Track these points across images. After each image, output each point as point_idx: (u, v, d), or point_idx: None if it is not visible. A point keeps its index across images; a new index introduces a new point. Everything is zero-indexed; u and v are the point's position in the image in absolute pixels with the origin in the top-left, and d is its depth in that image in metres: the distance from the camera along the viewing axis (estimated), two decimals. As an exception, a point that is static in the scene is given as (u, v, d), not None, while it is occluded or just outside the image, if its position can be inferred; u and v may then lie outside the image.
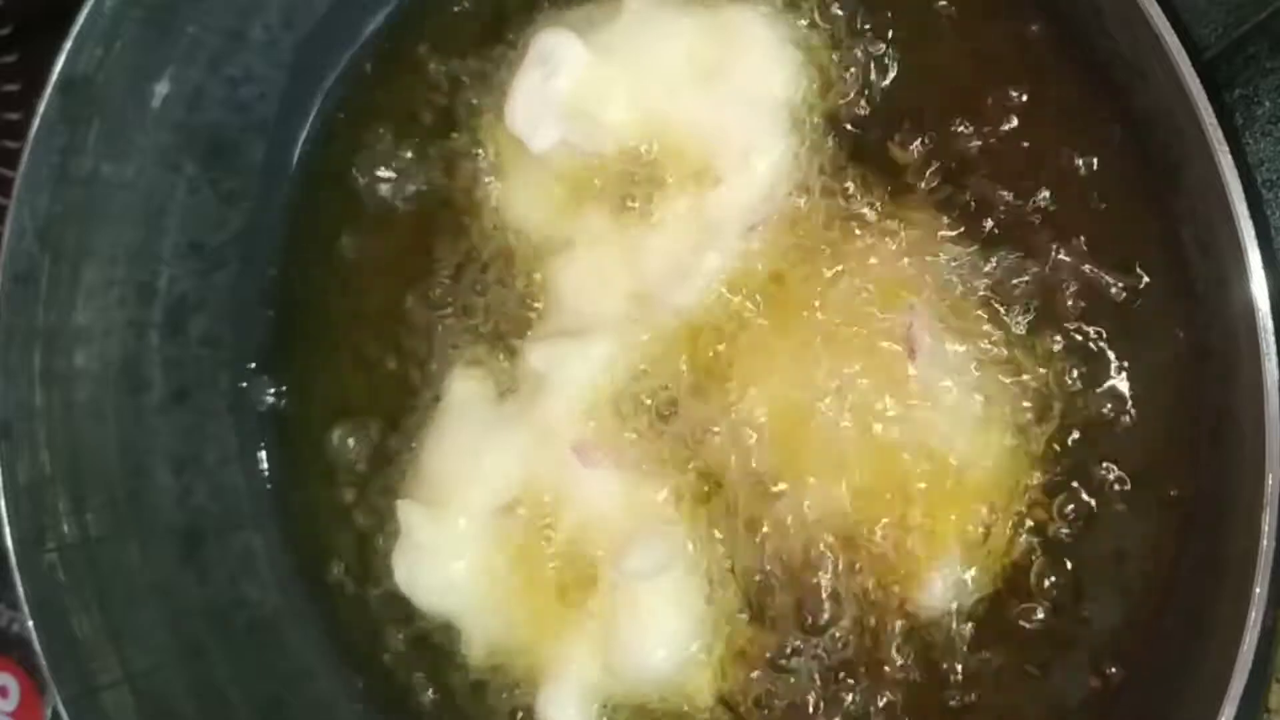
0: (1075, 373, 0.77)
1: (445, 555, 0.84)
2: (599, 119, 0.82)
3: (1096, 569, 0.76)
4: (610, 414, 0.82)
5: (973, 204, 0.79)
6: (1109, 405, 0.76)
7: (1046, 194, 0.77)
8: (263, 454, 0.96)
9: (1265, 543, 0.63)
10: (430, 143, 0.91)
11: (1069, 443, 0.77)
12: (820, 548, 0.79)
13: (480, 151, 0.89)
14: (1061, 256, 0.77)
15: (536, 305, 0.86)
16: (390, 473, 0.90)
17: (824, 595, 0.79)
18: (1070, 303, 0.77)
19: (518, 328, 0.87)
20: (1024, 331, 0.77)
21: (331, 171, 0.95)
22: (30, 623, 0.80)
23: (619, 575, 0.80)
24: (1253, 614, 0.62)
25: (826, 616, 0.79)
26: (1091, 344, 0.77)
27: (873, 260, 0.80)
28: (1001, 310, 0.78)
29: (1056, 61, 0.78)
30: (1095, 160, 0.77)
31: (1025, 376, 0.77)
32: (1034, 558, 0.77)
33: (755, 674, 0.80)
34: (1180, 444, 0.75)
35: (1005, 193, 0.78)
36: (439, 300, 0.89)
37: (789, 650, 0.80)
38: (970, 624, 0.77)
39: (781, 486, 0.80)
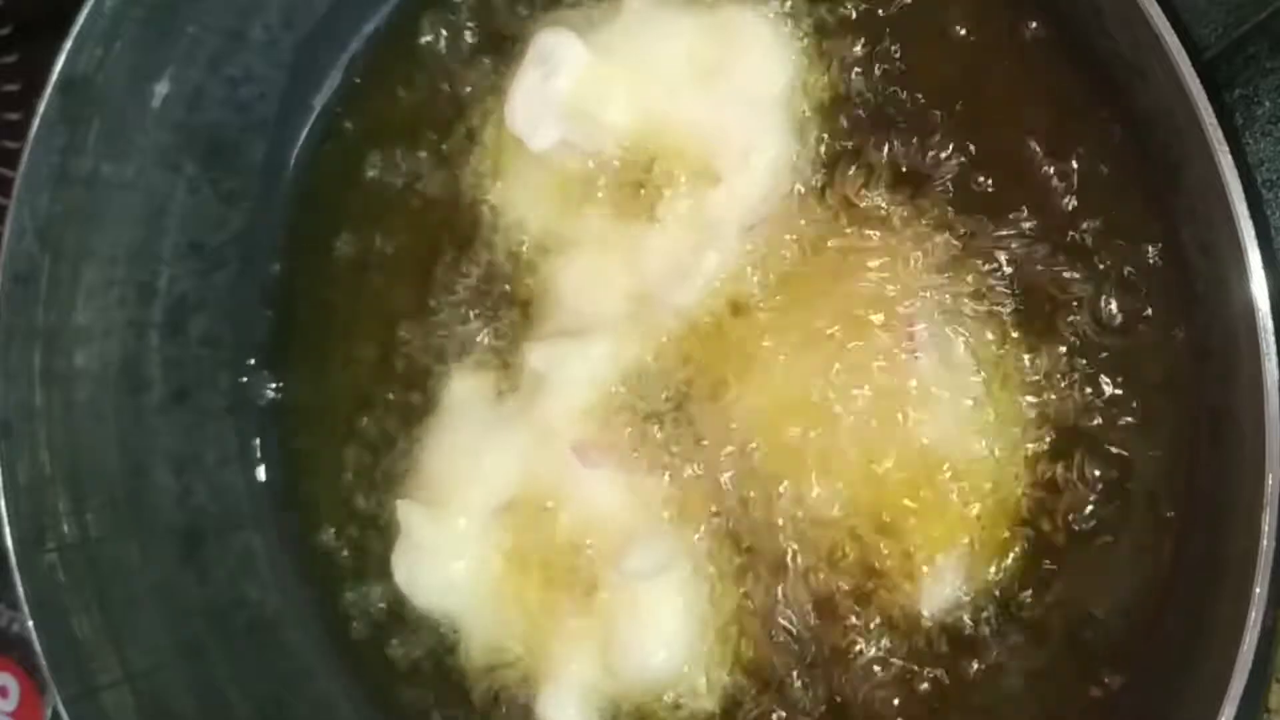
0: (1075, 373, 0.77)
1: (445, 555, 0.84)
2: (599, 119, 0.82)
3: (1096, 569, 0.76)
4: (610, 414, 0.82)
5: (972, 204, 0.79)
6: (1109, 405, 0.76)
7: (1045, 196, 0.77)
8: (262, 454, 0.96)
9: (1265, 543, 0.63)
10: (430, 142, 0.91)
11: (1069, 443, 0.76)
12: (820, 547, 0.79)
13: (480, 151, 0.89)
14: (1061, 256, 0.77)
15: (537, 305, 0.86)
16: (390, 472, 0.90)
17: (824, 595, 0.79)
18: (1070, 303, 0.77)
19: (518, 328, 0.87)
20: (1024, 331, 0.77)
21: (331, 171, 0.95)
22: (30, 623, 0.80)
23: (619, 575, 0.80)
24: (1253, 614, 0.62)
25: (826, 617, 0.79)
26: (1091, 344, 0.76)
27: (873, 260, 0.80)
28: (1001, 310, 0.78)
29: (1056, 61, 0.78)
30: (1095, 160, 0.77)
31: (1025, 376, 0.77)
32: (1034, 558, 0.77)
33: (755, 673, 0.80)
34: (1180, 444, 0.75)
35: (1004, 193, 0.78)
36: (439, 300, 0.89)
37: (788, 650, 0.80)
38: (970, 625, 0.77)
39: (782, 486, 0.80)
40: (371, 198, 0.92)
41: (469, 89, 0.90)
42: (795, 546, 0.80)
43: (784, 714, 0.80)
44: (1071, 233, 0.77)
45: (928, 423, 0.77)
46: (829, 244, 0.81)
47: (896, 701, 0.78)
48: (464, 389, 0.87)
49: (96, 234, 0.87)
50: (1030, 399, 0.77)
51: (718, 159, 0.81)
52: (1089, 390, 0.76)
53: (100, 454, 0.88)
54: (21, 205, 0.81)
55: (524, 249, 0.87)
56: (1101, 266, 0.76)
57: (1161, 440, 0.76)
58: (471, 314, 0.88)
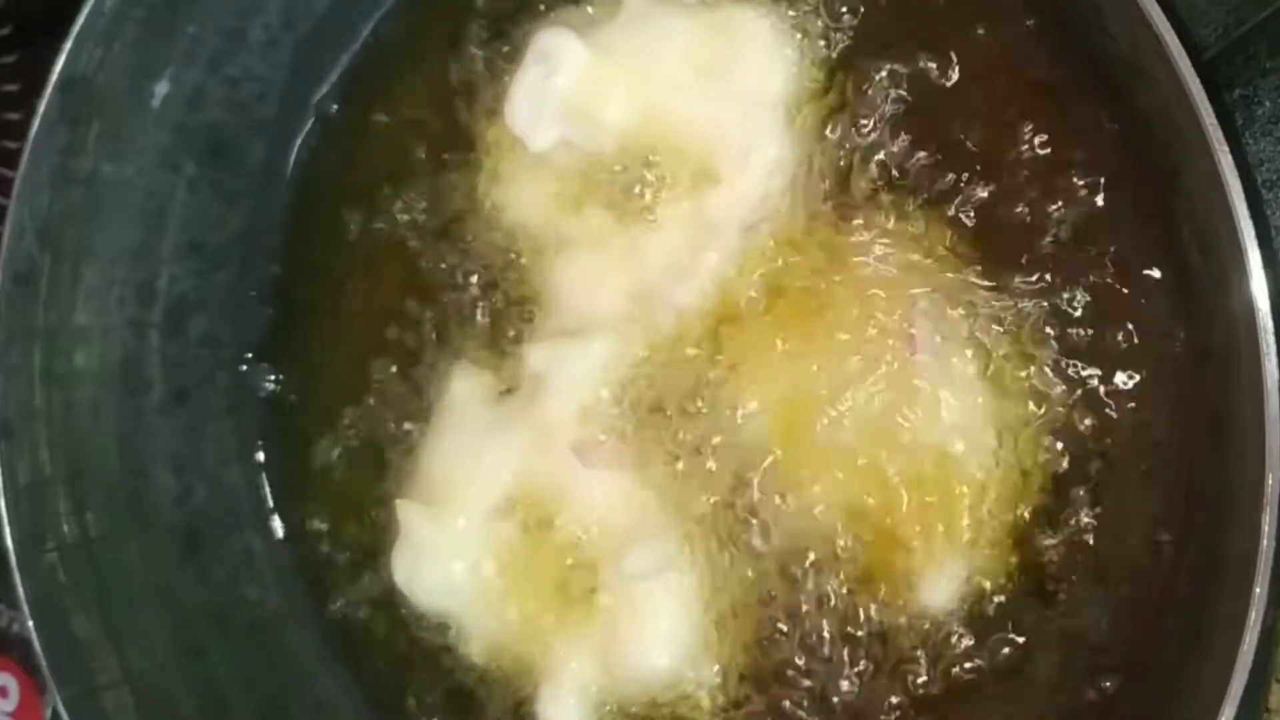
0: (1075, 373, 0.77)
1: (444, 555, 0.84)
2: (599, 118, 0.82)
3: (1096, 569, 0.76)
4: (610, 414, 0.82)
5: (972, 204, 0.79)
6: (1109, 405, 0.76)
7: (1046, 194, 0.77)
8: (262, 454, 0.96)
9: (1265, 543, 0.63)
10: (430, 142, 0.91)
11: (1069, 443, 0.76)
12: (820, 548, 0.79)
13: (479, 150, 0.89)
14: (1061, 256, 0.77)
15: (536, 305, 0.86)
16: (390, 472, 0.90)
17: (823, 595, 0.79)
18: (1070, 302, 0.77)
19: (518, 328, 0.87)
20: (1024, 331, 0.77)
21: (331, 171, 0.95)
22: (30, 623, 0.80)
23: (619, 576, 0.80)
24: (1253, 614, 0.62)
25: (826, 617, 0.79)
26: (1091, 344, 0.76)
27: (873, 260, 0.80)
28: (1001, 309, 0.78)
29: (1056, 61, 0.78)
30: (1095, 160, 0.77)
31: (1025, 376, 0.77)
32: (1034, 558, 0.77)
33: (754, 673, 0.80)
34: (1180, 444, 0.75)
35: (1004, 193, 0.78)
36: (439, 300, 0.89)
37: (789, 650, 0.80)
38: (971, 624, 0.77)
39: (782, 486, 0.80)
40: (371, 197, 0.92)
41: (469, 89, 0.90)
42: (796, 546, 0.80)
43: (784, 714, 0.80)
44: (1070, 233, 0.77)
45: (929, 423, 0.77)
46: (829, 244, 0.80)
47: (897, 701, 0.78)
48: (464, 389, 0.87)
49: (96, 234, 0.87)
50: (1030, 399, 0.77)
51: (718, 159, 0.81)
52: (1089, 390, 0.76)
53: (100, 454, 0.88)
54: (21, 205, 0.81)
55: (524, 249, 0.87)
56: (1101, 266, 0.76)
57: (1162, 440, 0.76)
58: (471, 314, 0.88)
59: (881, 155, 0.80)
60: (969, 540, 0.77)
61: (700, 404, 0.81)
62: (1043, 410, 0.77)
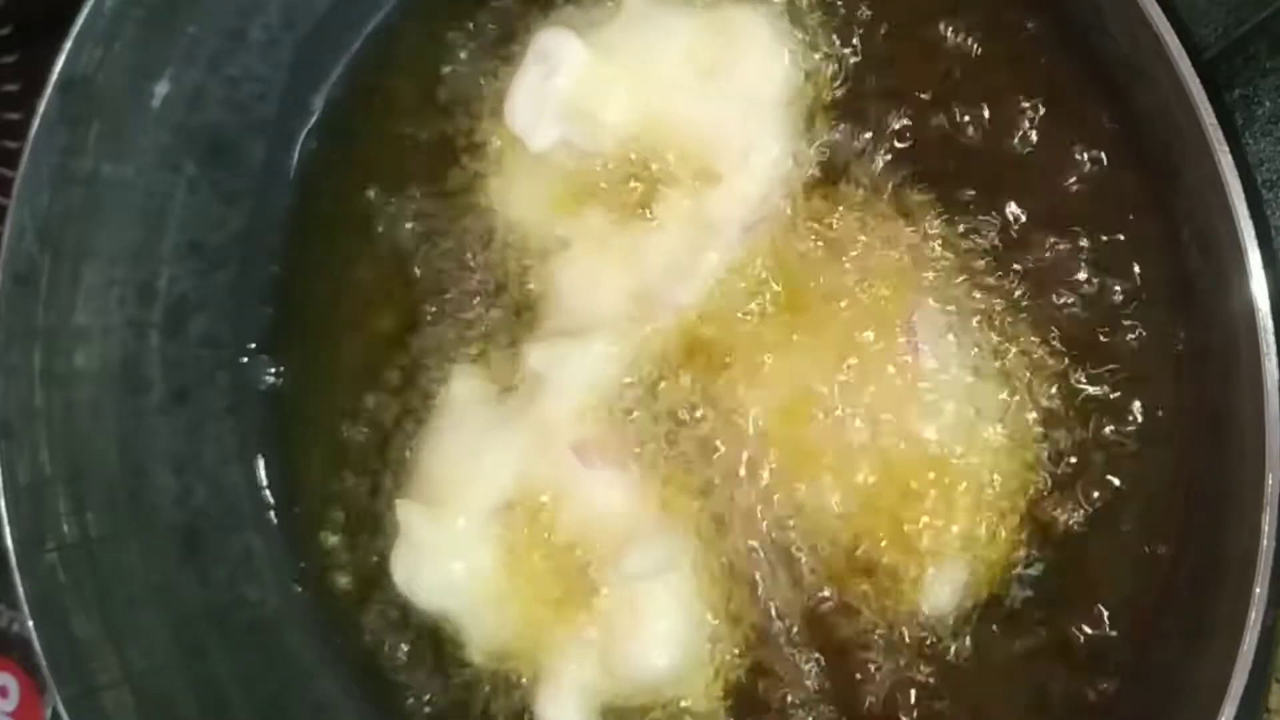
0: (1075, 373, 0.77)
1: (444, 555, 0.84)
2: (598, 118, 0.82)
3: (1096, 569, 0.76)
4: (610, 414, 0.82)
5: (972, 204, 0.79)
6: (1108, 405, 0.76)
7: (1046, 194, 0.77)
8: (262, 454, 0.96)
9: (1265, 543, 0.63)
10: (429, 142, 0.91)
11: (1069, 442, 0.76)
12: (821, 548, 0.79)
13: (479, 150, 0.89)
14: (1062, 256, 0.77)
15: (536, 305, 0.86)
16: (390, 472, 0.90)
17: (824, 595, 0.79)
18: (1070, 303, 0.77)
19: (517, 327, 0.87)
20: (1024, 331, 0.77)
21: (331, 171, 0.95)
22: (30, 623, 0.80)
23: (618, 576, 0.80)
24: (1253, 614, 0.62)
25: (826, 617, 0.79)
26: (1091, 344, 0.76)
27: (873, 259, 0.80)
28: (1002, 309, 0.78)
29: (1056, 61, 0.78)
30: (1095, 160, 0.77)
31: (1026, 377, 0.77)
32: (1034, 558, 0.77)
33: (754, 674, 0.80)
34: (1180, 444, 0.75)
35: (1004, 193, 0.78)
36: (438, 300, 0.89)
37: (788, 651, 0.80)
38: (971, 625, 0.77)
39: (783, 486, 0.80)
40: (371, 197, 0.92)
41: (468, 89, 0.90)
42: (796, 546, 0.80)
43: (783, 714, 0.80)
44: (1071, 232, 0.77)
45: (930, 423, 0.77)
46: (829, 243, 0.80)
47: (896, 701, 0.78)
48: (464, 389, 0.87)
49: (96, 234, 0.86)
50: (1030, 398, 0.77)
51: (718, 159, 0.81)
52: (1089, 390, 0.76)
53: (100, 454, 0.88)
54: (21, 205, 0.81)
55: (523, 249, 0.87)
56: (1101, 266, 0.76)
57: (1161, 440, 0.76)
58: (471, 314, 0.88)
59: (881, 155, 0.80)
60: (969, 540, 0.77)
61: (700, 404, 0.81)
62: (1042, 410, 0.77)
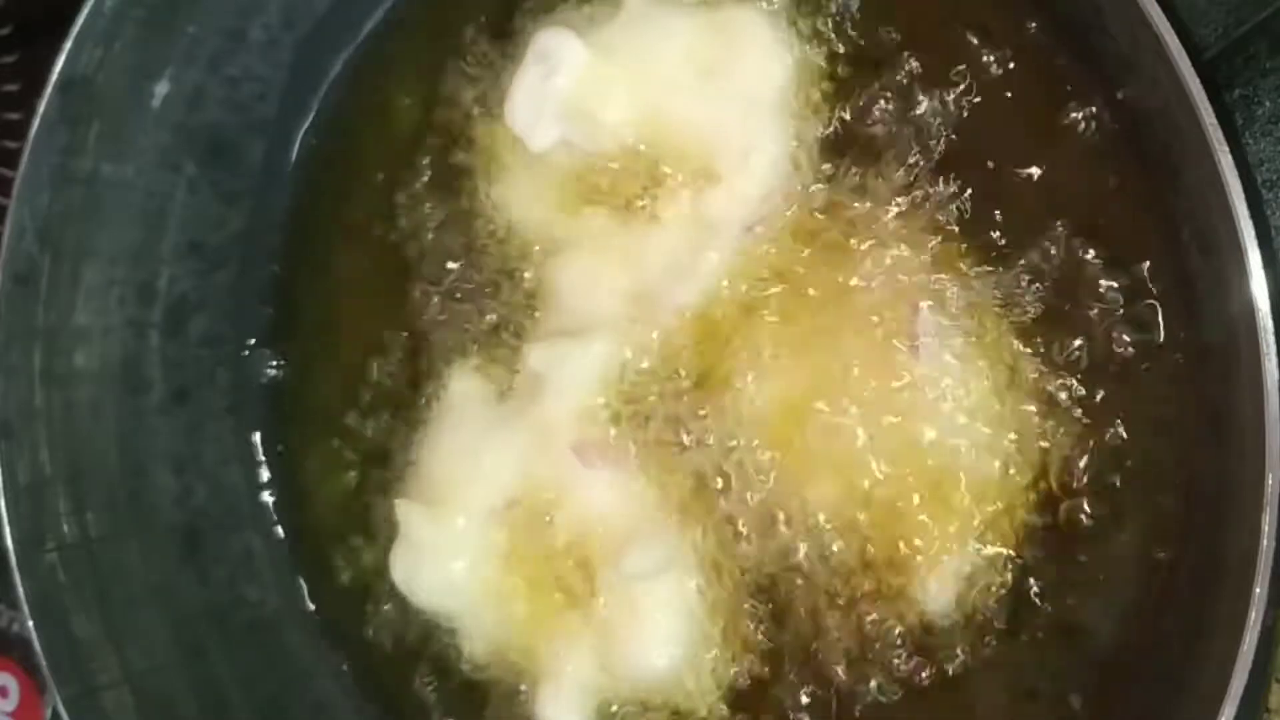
0: (1075, 373, 0.77)
1: (444, 555, 0.84)
2: (599, 118, 0.82)
3: (1096, 569, 0.76)
4: (610, 414, 0.82)
5: (973, 204, 0.79)
6: (1108, 405, 0.76)
7: (1046, 194, 0.77)
8: (263, 454, 0.96)
9: (1265, 543, 0.63)
10: (429, 142, 0.91)
11: (1069, 442, 0.76)
12: (821, 548, 0.79)
13: (480, 151, 0.89)
14: (1062, 256, 0.77)
15: (536, 305, 0.86)
16: (390, 472, 0.90)
17: (823, 596, 0.79)
18: (1070, 303, 0.77)
19: (517, 327, 0.87)
20: (1024, 331, 0.77)
21: (331, 171, 0.95)
22: (30, 623, 0.80)
23: (618, 576, 0.80)
24: (1253, 614, 0.62)
25: (825, 617, 0.79)
26: (1091, 343, 0.76)
27: (874, 260, 0.80)
28: (1002, 309, 0.78)
29: (1056, 61, 0.78)
30: (1095, 161, 0.77)
31: (1025, 376, 0.77)
32: (1034, 558, 0.77)
33: (753, 674, 0.80)
34: (1180, 444, 0.75)
35: (1005, 193, 0.78)
36: (439, 300, 0.89)
37: (787, 651, 0.80)
38: (971, 624, 0.77)
39: (783, 486, 0.80)
40: (371, 197, 0.92)
41: (468, 88, 0.90)
42: (796, 547, 0.80)
43: (783, 714, 0.80)
44: (1070, 232, 0.77)
45: (929, 423, 0.77)
46: (829, 243, 0.80)
47: (896, 701, 0.78)
48: (464, 389, 0.87)
49: (96, 234, 0.87)
50: (1030, 398, 0.77)
51: (718, 159, 0.81)
52: (1089, 390, 0.76)
53: (100, 454, 0.88)
54: (21, 205, 0.82)
55: (523, 249, 0.87)
56: (1100, 266, 0.76)
57: (1162, 440, 0.76)
58: (471, 314, 0.88)
59: (881, 155, 0.80)
60: (969, 539, 0.77)
61: (701, 404, 0.81)
62: (1042, 409, 0.77)
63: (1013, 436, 0.77)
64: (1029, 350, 0.77)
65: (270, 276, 0.96)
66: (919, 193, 0.79)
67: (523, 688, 0.84)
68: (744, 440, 0.80)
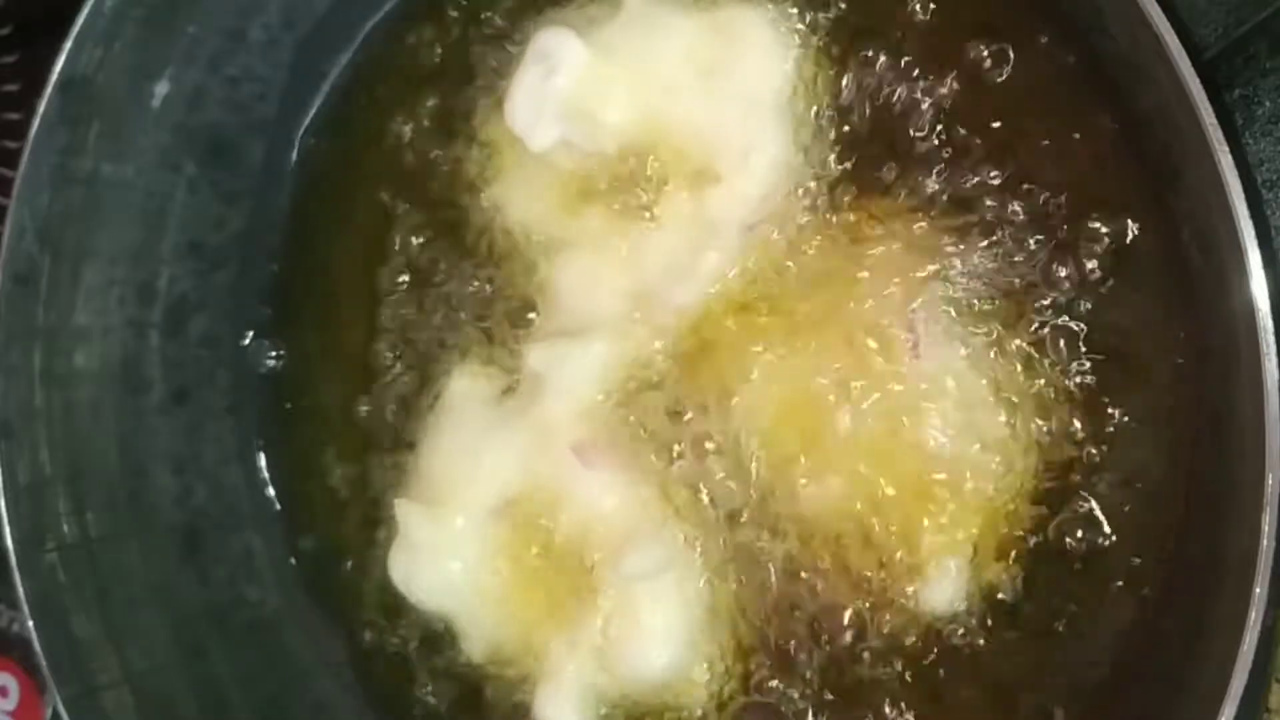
0: (1075, 373, 0.77)
1: (443, 555, 0.84)
2: (598, 118, 0.82)
3: (1096, 568, 0.76)
4: (610, 414, 0.82)
5: (972, 204, 0.79)
6: (1108, 405, 0.76)
7: (1046, 194, 0.77)
8: (262, 454, 0.96)
9: (1265, 543, 0.63)
10: (429, 141, 0.91)
11: (1068, 442, 0.76)
12: (820, 548, 0.79)
13: (479, 150, 0.89)
14: (1060, 256, 0.77)
15: (536, 305, 0.86)
16: (389, 472, 0.90)
17: (822, 596, 0.79)
18: (1070, 302, 0.77)
19: (517, 328, 0.87)
20: (1024, 331, 0.77)
21: (331, 171, 0.95)
22: (30, 623, 0.80)
23: (618, 576, 0.80)
24: (1253, 614, 0.62)
25: (825, 617, 0.79)
26: (1091, 343, 0.76)
27: (874, 260, 0.80)
28: (1002, 309, 0.78)
29: (1056, 62, 0.78)
30: (1095, 161, 0.77)
31: (1025, 376, 0.77)
32: (1034, 558, 0.77)
33: (753, 674, 0.80)
34: (1180, 444, 0.75)
35: (1005, 193, 0.78)
36: (439, 300, 0.89)
37: (787, 650, 0.80)
38: (970, 624, 0.77)
39: (783, 486, 0.80)
40: (371, 198, 0.92)
41: (468, 88, 0.90)
42: (795, 547, 0.80)
43: (782, 713, 0.80)
44: (1070, 233, 0.77)
45: (929, 423, 0.77)
46: (829, 243, 0.80)
47: (896, 700, 0.78)
48: (464, 389, 0.87)
49: (96, 234, 0.87)
50: (1030, 398, 0.77)
51: (718, 159, 0.81)
52: (1088, 390, 0.76)
53: (100, 454, 0.88)
54: (21, 205, 0.82)
55: (523, 249, 0.87)
56: (1100, 266, 0.76)
57: (1162, 440, 0.76)
58: (471, 314, 0.88)
59: (881, 155, 0.80)
60: (969, 539, 0.77)
61: (701, 404, 0.81)
62: (1042, 409, 0.77)
63: (1011, 435, 0.77)
64: (1027, 350, 0.77)
65: (270, 276, 0.96)
66: (918, 193, 0.79)
67: (522, 687, 0.84)
68: (744, 440, 0.80)
